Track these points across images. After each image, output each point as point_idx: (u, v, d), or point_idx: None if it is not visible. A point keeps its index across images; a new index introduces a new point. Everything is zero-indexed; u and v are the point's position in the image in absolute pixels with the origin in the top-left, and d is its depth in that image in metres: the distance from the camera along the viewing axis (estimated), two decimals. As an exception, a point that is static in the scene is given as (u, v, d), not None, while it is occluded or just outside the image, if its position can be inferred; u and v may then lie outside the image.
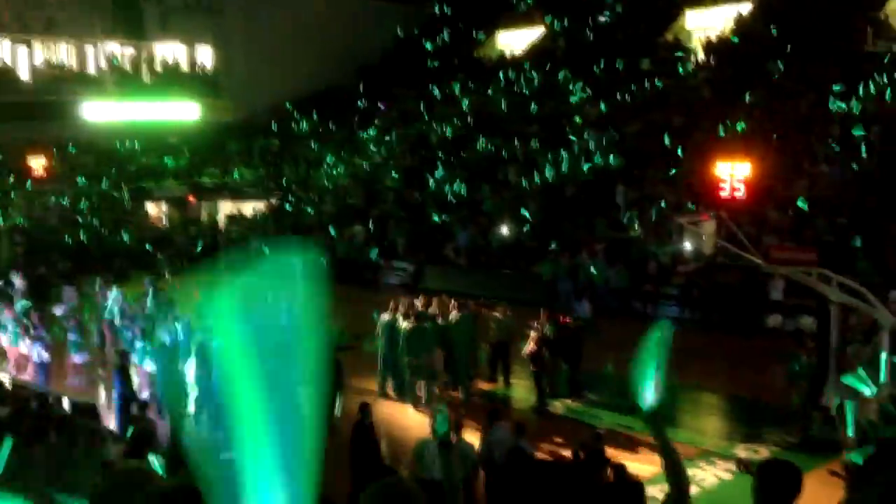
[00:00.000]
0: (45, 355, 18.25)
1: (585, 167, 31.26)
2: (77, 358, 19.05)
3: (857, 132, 26.42)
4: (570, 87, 36.93)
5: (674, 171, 28.55)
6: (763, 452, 13.82)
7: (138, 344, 17.78)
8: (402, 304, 17.78)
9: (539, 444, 13.81)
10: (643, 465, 11.92)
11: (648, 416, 4.07)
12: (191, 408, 15.95)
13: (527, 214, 29.63)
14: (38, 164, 36.57)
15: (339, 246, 32.28)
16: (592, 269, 25.56)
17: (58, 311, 21.87)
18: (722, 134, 28.85)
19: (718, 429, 16.11)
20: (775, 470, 4.50)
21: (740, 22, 36.04)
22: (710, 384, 17.79)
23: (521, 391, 17.68)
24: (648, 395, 3.93)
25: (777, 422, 15.28)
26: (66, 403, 14.61)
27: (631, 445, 13.73)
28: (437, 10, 49.22)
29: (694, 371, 16.85)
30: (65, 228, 34.90)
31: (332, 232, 33.27)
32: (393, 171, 36.59)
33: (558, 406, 16.83)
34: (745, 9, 36.74)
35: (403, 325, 16.88)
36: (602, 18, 40.90)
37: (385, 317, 17.54)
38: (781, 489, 4.37)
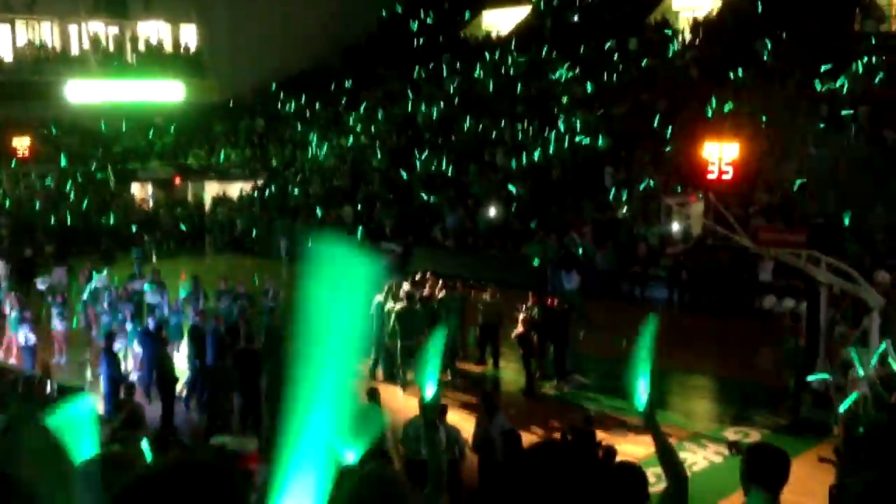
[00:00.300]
0: (32, 338, 18.07)
1: (576, 139, 31.14)
2: (59, 326, 18.82)
3: (845, 112, 26.41)
4: (557, 67, 36.75)
5: (662, 152, 28.48)
6: (753, 435, 13.82)
7: (127, 326, 17.66)
8: (393, 285, 17.70)
9: (529, 426, 13.81)
10: (635, 447, 11.92)
11: (645, 416, 4.03)
12: (181, 391, 15.88)
13: (515, 192, 29.57)
14: (21, 144, 36.17)
15: (326, 227, 32.12)
16: (580, 251, 25.53)
17: (41, 285, 21.64)
18: (710, 114, 28.77)
19: (708, 411, 16.13)
20: (763, 455, 4.50)
21: (727, 1, 35.91)
22: (699, 366, 17.79)
23: (510, 373, 17.68)
24: (642, 394, 3.88)
25: (767, 404, 15.31)
26: (51, 386, 14.48)
27: (622, 427, 13.70)
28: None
29: (683, 353, 16.85)
30: (50, 210, 34.58)
31: (319, 213, 33.11)
32: (379, 152, 36.40)
33: (548, 388, 16.82)
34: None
35: (395, 306, 16.80)
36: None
37: (378, 299, 17.46)
38: (769, 473, 4.36)
